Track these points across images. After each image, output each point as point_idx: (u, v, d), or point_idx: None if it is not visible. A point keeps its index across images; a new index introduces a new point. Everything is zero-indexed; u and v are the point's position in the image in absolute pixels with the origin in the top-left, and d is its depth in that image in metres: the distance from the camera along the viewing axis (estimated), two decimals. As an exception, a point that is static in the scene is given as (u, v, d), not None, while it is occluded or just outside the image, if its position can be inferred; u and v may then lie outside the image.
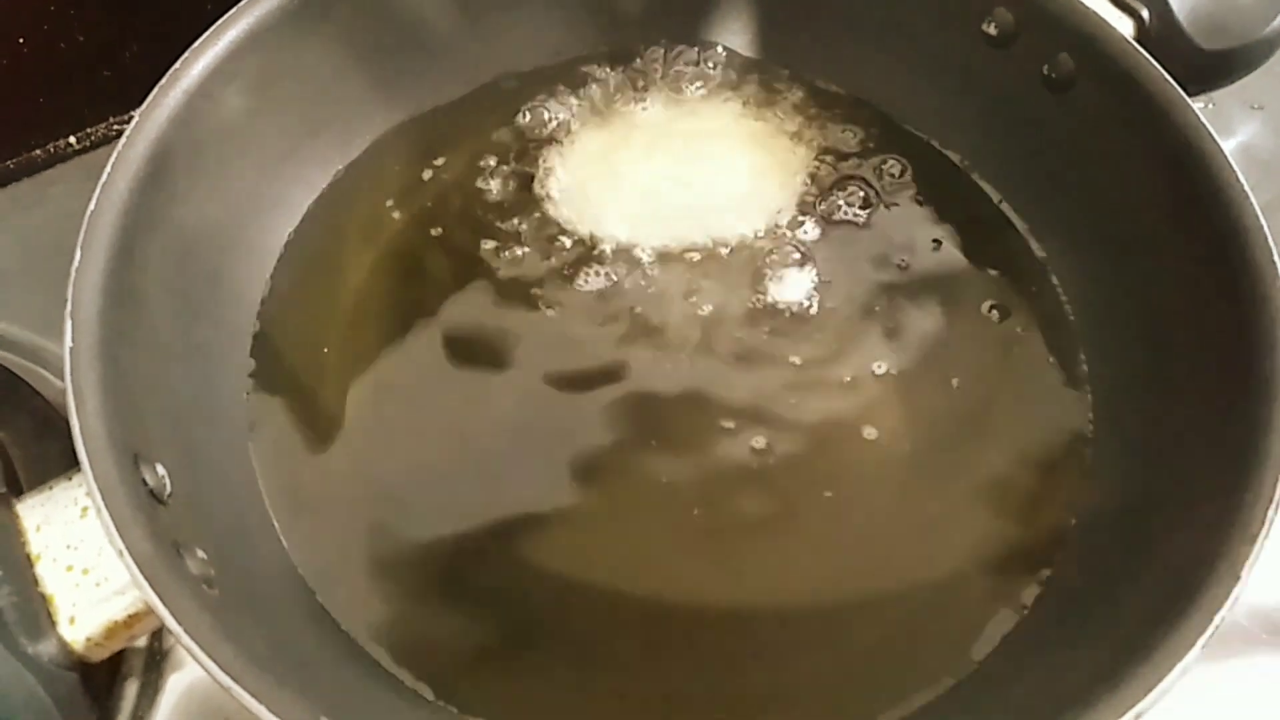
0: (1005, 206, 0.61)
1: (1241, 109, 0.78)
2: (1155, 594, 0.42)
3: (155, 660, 0.54)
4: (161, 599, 0.38)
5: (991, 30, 0.59)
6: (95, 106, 0.73)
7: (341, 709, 0.39)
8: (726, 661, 0.48)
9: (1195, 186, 0.50)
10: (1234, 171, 0.49)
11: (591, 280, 0.58)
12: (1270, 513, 0.41)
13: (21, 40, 0.66)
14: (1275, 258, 0.47)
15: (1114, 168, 0.55)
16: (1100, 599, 0.47)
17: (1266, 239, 0.47)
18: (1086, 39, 0.55)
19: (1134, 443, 0.52)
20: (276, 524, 0.51)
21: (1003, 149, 0.61)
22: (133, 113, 0.72)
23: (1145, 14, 0.57)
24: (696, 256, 0.59)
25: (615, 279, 0.58)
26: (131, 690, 0.53)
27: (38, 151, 0.72)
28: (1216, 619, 0.39)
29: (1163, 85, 0.52)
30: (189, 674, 0.54)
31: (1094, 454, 0.53)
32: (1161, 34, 0.57)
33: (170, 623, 0.38)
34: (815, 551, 0.51)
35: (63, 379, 0.58)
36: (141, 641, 0.54)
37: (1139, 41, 0.55)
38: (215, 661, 0.37)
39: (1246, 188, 0.49)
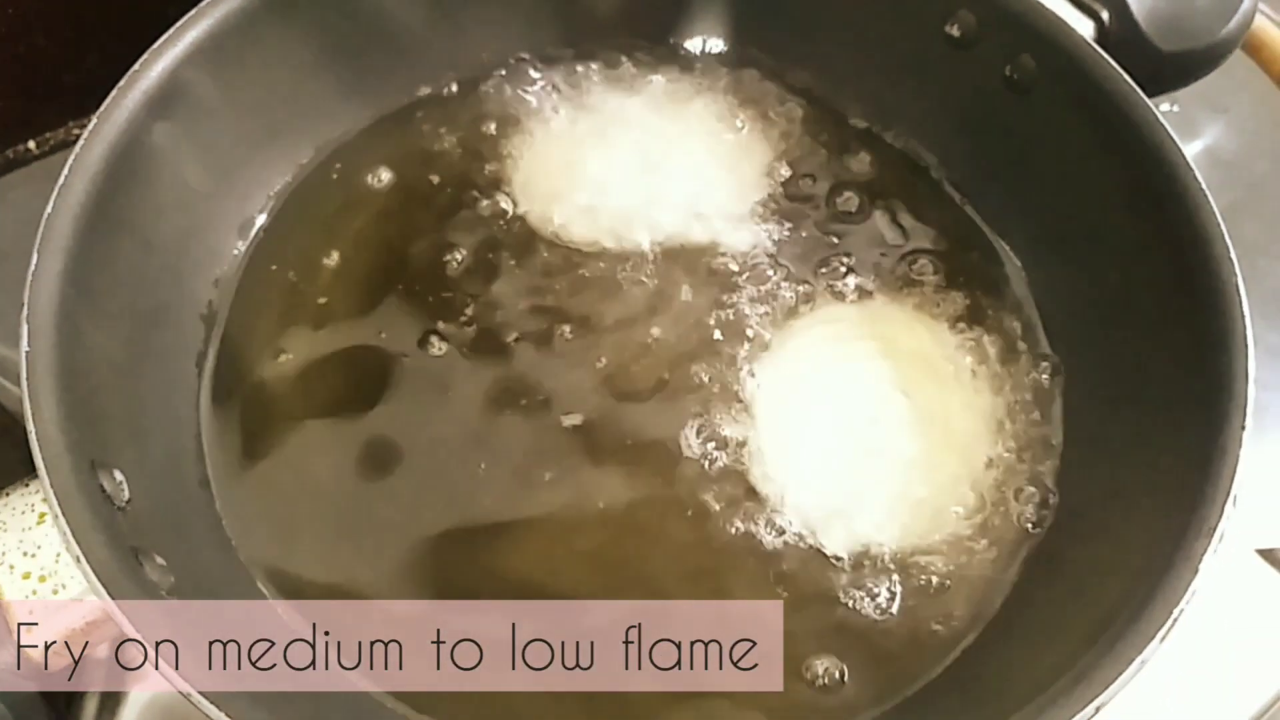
0: (969, 206, 0.61)
1: (1206, 112, 0.79)
2: (1116, 590, 0.43)
3: (116, 671, 0.53)
4: (120, 606, 0.37)
5: (955, 32, 0.59)
6: (55, 111, 0.72)
7: (304, 716, 0.39)
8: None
9: (1155, 186, 0.51)
10: (1193, 172, 0.50)
11: (550, 275, 0.58)
12: (1227, 507, 0.42)
13: (-20, 44, 0.65)
14: (1233, 257, 0.48)
15: (1077, 168, 0.55)
16: (1063, 596, 0.47)
17: (1224, 239, 0.48)
18: (1047, 40, 0.56)
19: (1096, 441, 0.52)
20: (231, 531, 0.50)
21: (967, 148, 0.61)
22: (93, 118, 0.72)
23: (1105, 15, 0.58)
24: (655, 253, 0.59)
25: (576, 273, 0.59)
26: (92, 704, 0.52)
27: (-4, 156, 0.71)
28: (1175, 612, 0.40)
29: (1122, 86, 0.53)
30: (150, 685, 0.53)
31: (1057, 454, 0.53)
32: (1121, 36, 0.57)
33: (129, 630, 0.37)
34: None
35: (20, 385, 0.59)
36: (102, 652, 0.53)
37: (1099, 43, 0.55)
38: (174, 668, 0.37)
39: (1205, 188, 0.49)
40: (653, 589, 0.50)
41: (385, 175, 0.62)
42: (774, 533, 0.51)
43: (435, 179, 0.62)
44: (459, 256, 0.59)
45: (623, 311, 0.57)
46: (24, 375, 0.42)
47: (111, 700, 0.52)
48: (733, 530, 0.51)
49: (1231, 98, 0.78)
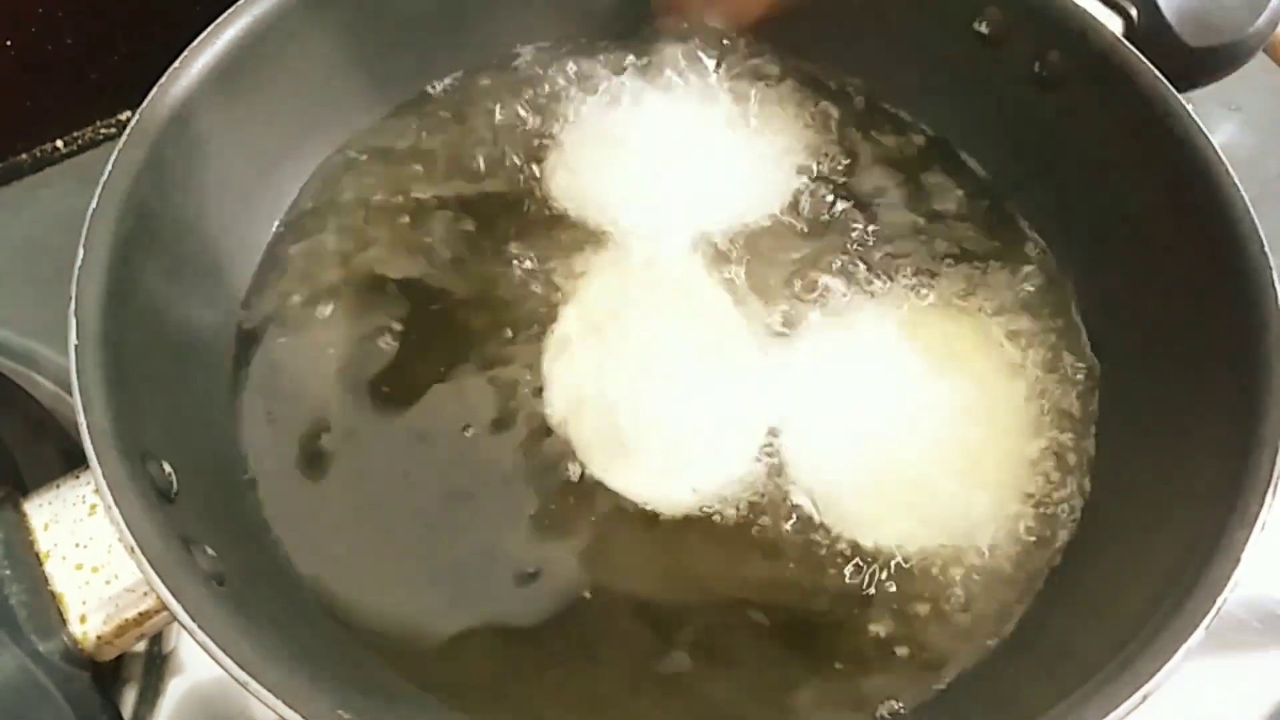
0: (1004, 202, 0.62)
1: (1220, 110, 0.80)
2: (1158, 579, 0.43)
3: (155, 664, 0.53)
4: (175, 595, 0.38)
5: (983, 29, 0.60)
6: (82, 110, 0.72)
7: (353, 704, 0.39)
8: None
9: (1187, 182, 0.51)
10: (1224, 164, 0.51)
11: (587, 267, 0.58)
12: (1268, 497, 0.42)
13: (8, 43, 0.65)
14: (1267, 251, 0.48)
15: (1108, 164, 0.56)
16: (1105, 584, 0.47)
17: (1257, 230, 0.48)
18: (1076, 37, 0.56)
19: (1135, 435, 0.52)
20: (273, 522, 0.51)
21: (999, 144, 0.62)
22: (120, 115, 0.73)
23: (1134, 12, 0.58)
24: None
25: (613, 267, 0.58)
26: (131, 695, 0.53)
27: (24, 156, 0.71)
28: (1219, 601, 0.40)
29: (1152, 81, 0.54)
30: (189, 677, 0.53)
31: (1097, 444, 0.54)
32: (1149, 32, 0.58)
33: (185, 620, 0.37)
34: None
35: (55, 382, 0.59)
36: (141, 645, 0.54)
37: (1127, 39, 0.56)
38: (233, 658, 0.37)
39: (1236, 180, 0.50)
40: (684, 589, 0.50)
41: (414, 166, 0.62)
42: (807, 532, 0.51)
43: (463, 169, 0.62)
44: (488, 244, 0.59)
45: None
46: (74, 368, 0.42)
47: (150, 691, 0.53)
48: (760, 529, 0.51)
49: (1245, 95, 0.79)
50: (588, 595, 0.49)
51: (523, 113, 0.64)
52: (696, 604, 0.50)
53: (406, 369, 0.55)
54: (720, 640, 0.49)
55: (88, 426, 0.41)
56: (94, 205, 0.46)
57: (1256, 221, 0.49)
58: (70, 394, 0.42)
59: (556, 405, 0.54)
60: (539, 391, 0.54)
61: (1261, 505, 0.42)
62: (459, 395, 0.54)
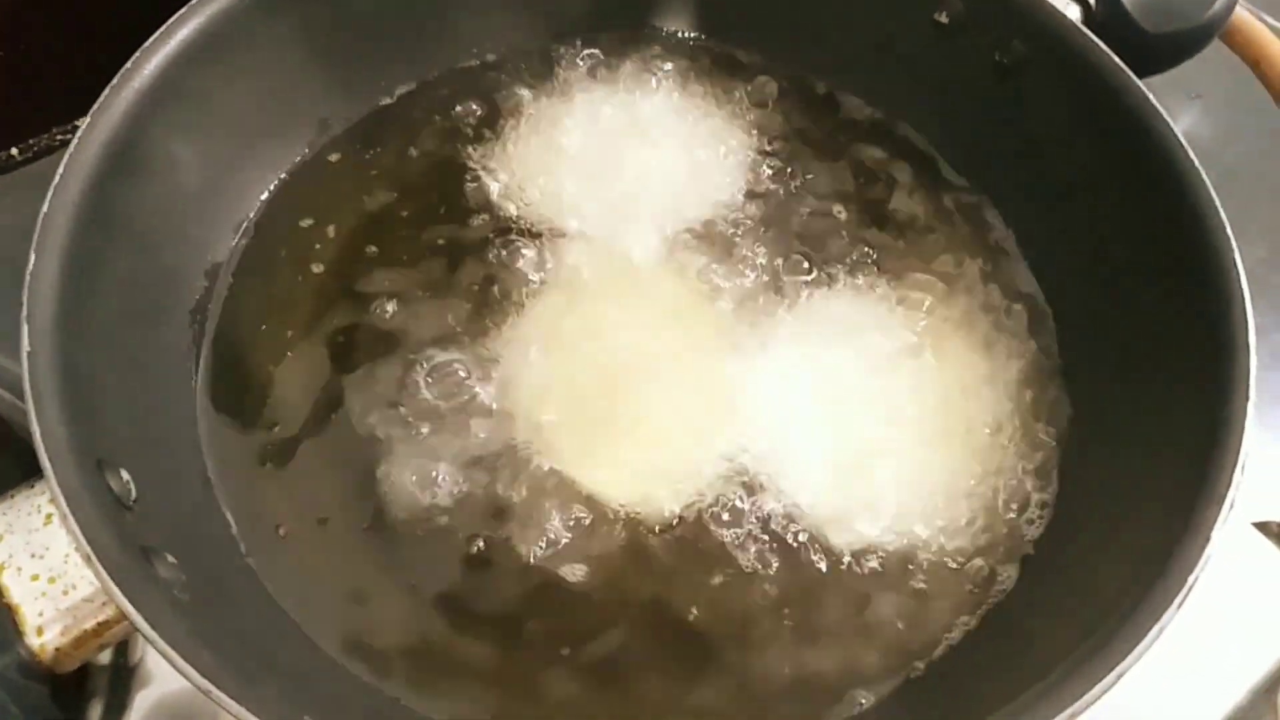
0: (967, 191, 0.62)
1: (1180, 98, 0.80)
2: (1131, 560, 0.43)
3: (121, 676, 0.53)
4: (134, 605, 0.37)
5: (944, 19, 0.60)
6: (38, 118, 0.71)
7: (317, 708, 0.38)
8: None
9: (1150, 166, 0.52)
10: (1185, 149, 0.51)
11: (550, 268, 0.58)
12: (1236, 475, 0.43)
13: (-37, 52, 0.64)
14: (1229, 231, 0.48)
15: (1069, 148, 0.56)
16: (1078, 568, 0.47)
17: (1219, 214, 0.49)
18: (1036, 25, 0.56)
19: (1103, 419, 0.52)
20: (234, 528, 0.50)
21: (960, 132, 0.62)
22: (77, 122, 0.71)
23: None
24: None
25: (560, 268, 0.58)
26: (97, 708, 0.52)
27: (-21, 162, 0.70)
28: (1190, 579, 0.40)
29: (1112, 67, 0.54)
30: (156, 689, 0.53)
31: (1064, 432, 0.54)
32: (1107, 19, 0.58)
33: (145, 629, 0.37)
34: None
35: (11, 390, 0.58)
36: (106, 657, 0.53)
37: (1086, 26, 0.56)
38: (194, 667, 0.36)
39: (1198, 164, 0.50)
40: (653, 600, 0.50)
41: (375, 171, 0.62)
42: (778, 526, 0.51)
43: (424, 173, 0.62)
44: (449, 248, 0.59)
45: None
46: (26, 375, 0.41)
47: (116, 704, 0.52)
48: (731, 526, 0.51)
49: (1205, 83, 0.79)
50: (561, 600, 0.49)
51: (481, 117, 0.64)
52: (664, 601, 0.49)
53: (368, 372, 0.54)
54: (690, 633, 0.49)
55: (41, 434, 0.40)
56: (45, 209, 0.46)
57: (1218, 202, 0.49)
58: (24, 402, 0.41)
59: (523, 405, 0.53)
60: (504, 392, 0.54)
61: (1230, 484, 0.42)
62: (421, 398, 0.54)
